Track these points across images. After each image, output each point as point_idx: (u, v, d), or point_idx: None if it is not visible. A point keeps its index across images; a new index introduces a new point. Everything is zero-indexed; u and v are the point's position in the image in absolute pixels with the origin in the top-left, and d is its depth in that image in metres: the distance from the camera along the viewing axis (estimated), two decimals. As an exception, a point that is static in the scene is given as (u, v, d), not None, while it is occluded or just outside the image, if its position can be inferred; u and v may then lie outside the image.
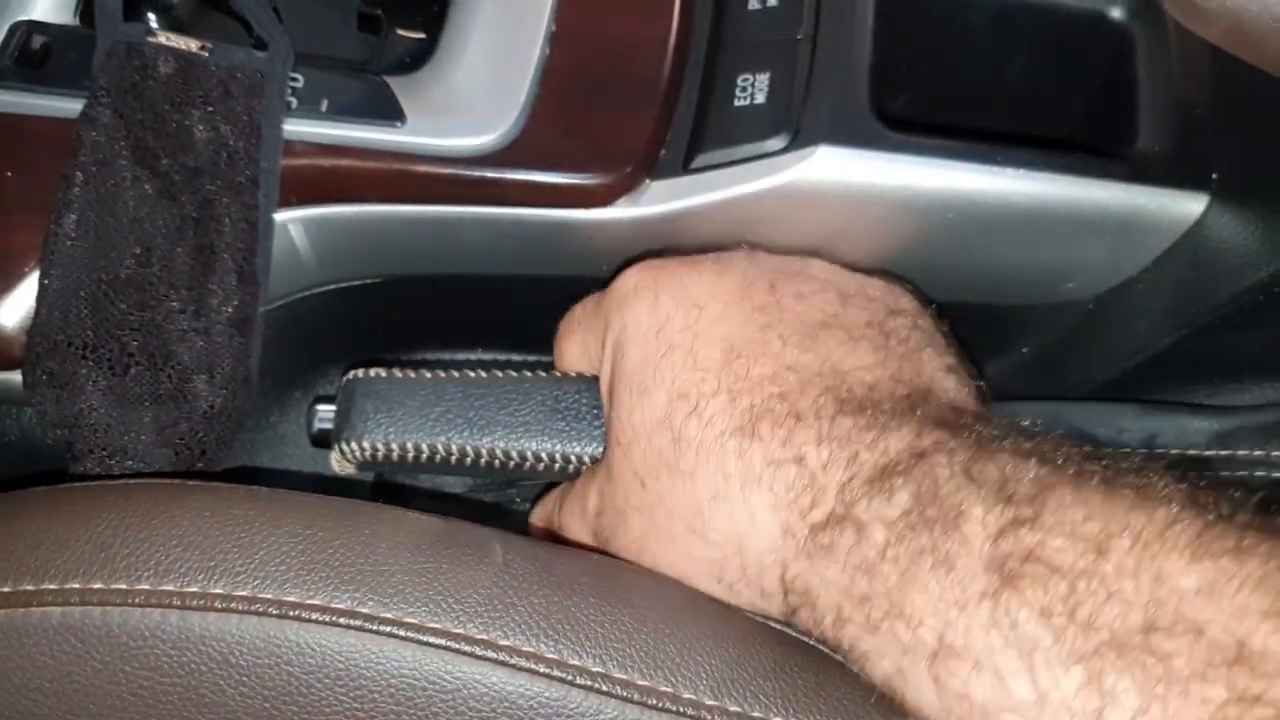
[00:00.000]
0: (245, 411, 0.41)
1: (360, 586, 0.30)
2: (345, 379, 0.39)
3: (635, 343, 0.35)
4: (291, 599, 0.30)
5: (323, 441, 0.39)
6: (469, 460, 0.38)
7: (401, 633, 0.30)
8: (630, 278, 0.37)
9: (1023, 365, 0.48)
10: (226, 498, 0.33)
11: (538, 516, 0.43)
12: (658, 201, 0.40)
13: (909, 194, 0.39)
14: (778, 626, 0.33)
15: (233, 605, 0.30)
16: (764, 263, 0.37)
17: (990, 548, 0.26)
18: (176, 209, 0.38)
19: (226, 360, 0.39)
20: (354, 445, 0.37)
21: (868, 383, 0.33)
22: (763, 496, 0.31)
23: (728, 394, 0.33)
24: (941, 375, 0.35)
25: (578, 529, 0.38)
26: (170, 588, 0.30)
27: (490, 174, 0.39)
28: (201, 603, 0.30)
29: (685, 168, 0.39)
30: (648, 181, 0.40)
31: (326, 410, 0.39)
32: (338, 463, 0.39)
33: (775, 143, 0.39)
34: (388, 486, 0.49)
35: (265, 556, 0.31)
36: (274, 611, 0.30)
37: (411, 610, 0.30)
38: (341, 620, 0.30)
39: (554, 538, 0.40)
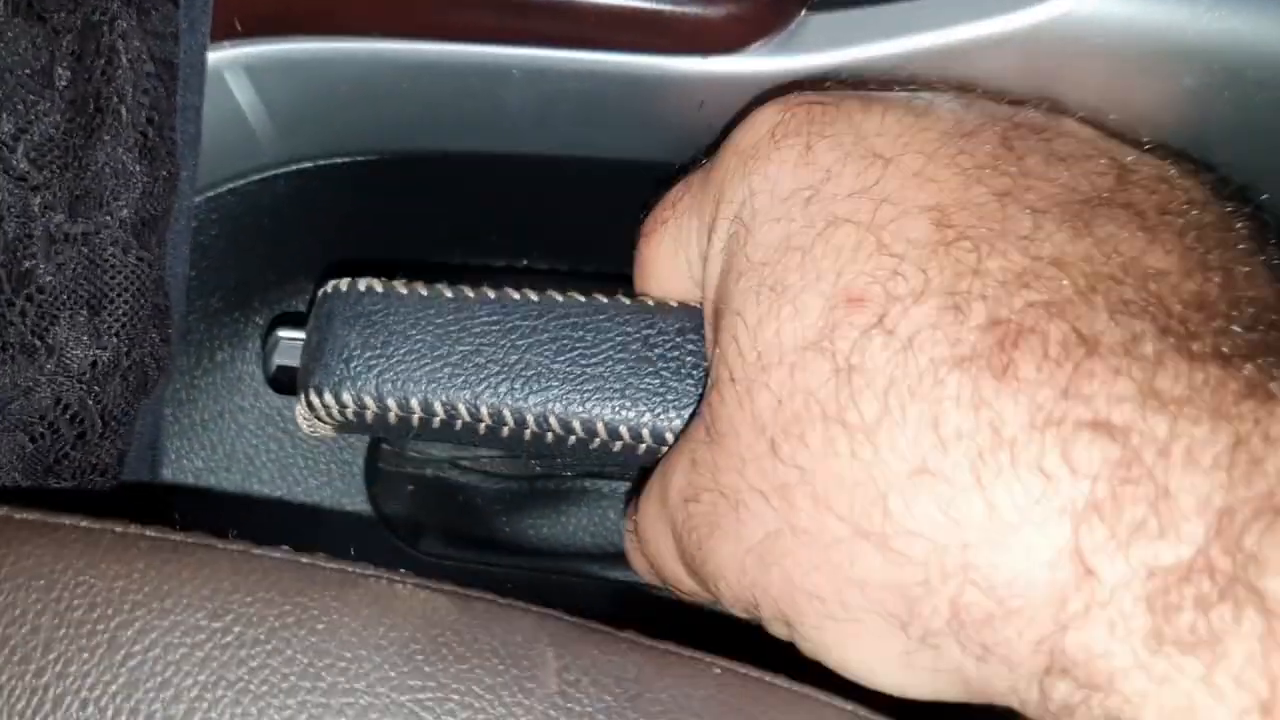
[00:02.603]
0: (160, 366, 0.29)
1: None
2: (322, 292, 0.30)
3: (770, 215, 0.25)
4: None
5: (284, 385, 0.32)
6: (507, 430, 0.28)
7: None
8: (763, 119, 0.27)
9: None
10: (91, 548, 0.21)
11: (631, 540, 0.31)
12: (819, 47, 0.30)
13: None
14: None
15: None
16: (987, 107, 0.26)
17: None
18: (43, 38, 0.28)
19: (120, 286, 0.28)
20: (329, 398, 0.28)
21: (1198, 296, 0.22)
22: (1025, 483, 0.20)
23: (944, 298, 0.22)
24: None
25: (655, 529, 0.27)
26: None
27: (548, -8, 0.29)
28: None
29: (867, -9, 0.29)
30: (803, 14, 0.30)
31: (292, 338, 0.32)
32: (305, 420, 0.30)
33: (1024, -48, 0.27)
34: (383, 473, 0.39)
35: (138, 673, 0.19)
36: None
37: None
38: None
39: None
